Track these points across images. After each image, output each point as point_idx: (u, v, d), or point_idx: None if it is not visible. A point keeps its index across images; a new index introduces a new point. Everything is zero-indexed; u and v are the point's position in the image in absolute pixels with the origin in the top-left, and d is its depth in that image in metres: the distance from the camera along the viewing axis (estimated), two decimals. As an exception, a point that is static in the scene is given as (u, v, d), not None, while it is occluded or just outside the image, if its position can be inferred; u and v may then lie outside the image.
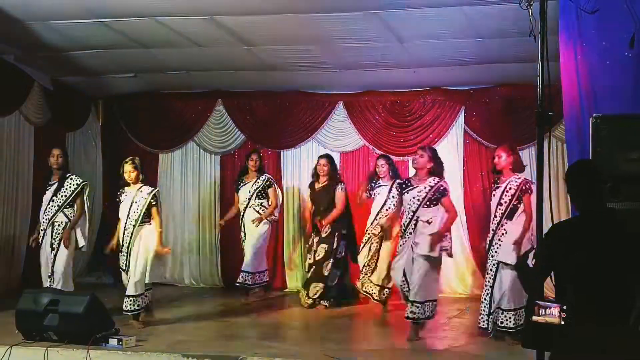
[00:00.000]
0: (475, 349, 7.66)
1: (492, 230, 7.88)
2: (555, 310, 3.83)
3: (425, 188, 8.02)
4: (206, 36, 9.41)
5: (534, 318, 3.88)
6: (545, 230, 4.35)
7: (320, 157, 10.63)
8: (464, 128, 11.69)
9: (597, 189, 4.07)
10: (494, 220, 7.90)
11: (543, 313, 3.86)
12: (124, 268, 8.61)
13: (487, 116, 11.57)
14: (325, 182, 10.31)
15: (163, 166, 12.88)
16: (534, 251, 6.05)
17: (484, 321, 7.91)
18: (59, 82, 11.70)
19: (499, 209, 7.84)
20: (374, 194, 10.19)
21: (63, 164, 8.97)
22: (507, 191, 7.80)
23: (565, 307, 3.82)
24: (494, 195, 7.98)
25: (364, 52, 9.92)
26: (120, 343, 7.16)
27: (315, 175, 10.44)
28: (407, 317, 7.97)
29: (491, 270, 7.85)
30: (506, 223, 7.78)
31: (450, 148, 11.62)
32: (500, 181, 7.96)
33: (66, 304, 7.32)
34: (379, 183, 10.17)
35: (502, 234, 7.77)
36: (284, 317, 9.95)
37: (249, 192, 10.71)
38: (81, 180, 9.10)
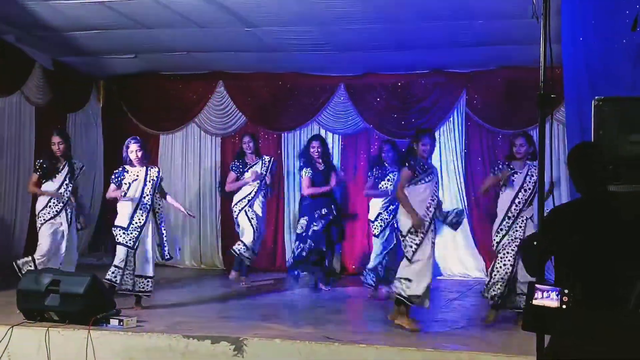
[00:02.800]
0: (475, 331, 7.67)
1: (512, 215, 7.86)
2: (554, 294, 3.84)
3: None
4: (207, 17, 9.37)
5: (534, 301, 3.89)
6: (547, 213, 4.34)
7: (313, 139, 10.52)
8: (466, 111, 11.68)
9: (599, 172, 4.06)
10: (517, 205, 7.86)
11: (541, 296, 3.87)
12: (132, 246, 8.48)
13: (489, 99, 11.57)
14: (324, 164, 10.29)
15: (164, 148, 12.91)
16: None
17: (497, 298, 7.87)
18: (59, 63, 11.68)
19: (523, 194, 7.86)
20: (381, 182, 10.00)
21: (66, 149, 8.84)
22: (530, 176, 7.84)
23: (566, 291, 3.81)
24: (513, 180, 7.91)
25: (365, 33, 9.88)
26: (121, 324, 7.16)
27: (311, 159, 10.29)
28: None
29: (512, 250, 7.80)
30: (527, 208, 7.83)
31: (452, 131, 11.62)
32: (517, 167, 7.96)
33: (67, 284, 7.33)
34: (387, 170, 10.01)
35: (526, 217, 7.80)
36: (284, 299, 9.96)
37: (262, 173, 10.58)
38: (82, 164, 9.15)
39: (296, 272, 10.23)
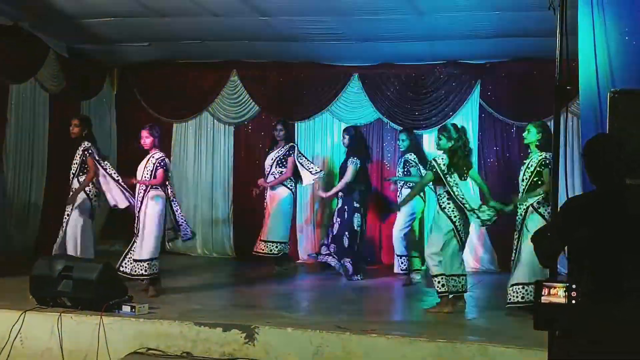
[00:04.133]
0: (486, 322, 7.66)
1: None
2: (561, 291, 3.82)
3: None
4: (222, 6, 9.37)
5: (542, 299, 3.87)
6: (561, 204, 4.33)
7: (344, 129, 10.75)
8: (480, 102, 11.64)
9: (615, 164, 4.03)
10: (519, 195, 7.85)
11: (549, 293, 3.85)
12: (136, 233, 8.61)
13: (503, 90, 11.52)
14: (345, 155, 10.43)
15: (177, 136, 12.92)
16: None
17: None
18: (74, 50, 11.70)
19: (521, 185, 7.80)
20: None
21: (80, 134, 8.87)
22: (528, 167, 7.75)
23: (574, 286, 3.80)
24: (520, 170, 7.93)
25: (381, 24, 9.85)
26: (133, 310, 7.20)
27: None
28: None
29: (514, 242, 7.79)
30: (526, 200, 7.69)
31: (465, 122, 11.58)
32: (526, 157, 7.96)
33: (80, 270, 7.36)
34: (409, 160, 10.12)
35: (527, 205, 7.68)
36: (296, 287, 9.98)
37: (272, 159, 10.64)
38: (88, 144, 8.86)
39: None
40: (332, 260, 10.15)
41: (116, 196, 8.80)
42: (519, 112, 11.20)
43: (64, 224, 8.78)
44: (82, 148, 8.86)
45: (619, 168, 4.04)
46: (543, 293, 3.87)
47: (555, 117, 4.85)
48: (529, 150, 7.90)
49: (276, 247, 10.47)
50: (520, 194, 7.79)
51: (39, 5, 9.56)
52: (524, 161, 7.92)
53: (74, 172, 8.87)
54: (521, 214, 7.73)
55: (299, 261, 11.87)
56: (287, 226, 10.69)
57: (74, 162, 8.88)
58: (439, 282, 7.87)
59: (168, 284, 9.07)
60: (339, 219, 10.24)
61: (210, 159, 12.77)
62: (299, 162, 10.53)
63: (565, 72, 4.87)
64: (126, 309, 7.23)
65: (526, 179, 7.74)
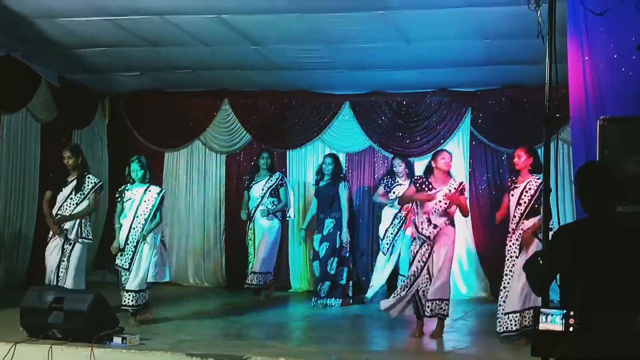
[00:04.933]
0: (478, 351, 7.63)
1: (512, 229, 7.77)
2: (558, 318, 3.82)
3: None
4: (213, 35, 9.40)
5: (540, 326, 3.87)
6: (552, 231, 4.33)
7: (326, 156, 10.87)
8: (471, 130, 11.68)
9: (606, 191, 4.05)
10: (513, 220, 7.77)
11: (546, 320, 3.85)
12: (127, 267, 8.55)
13: (494, 118, 11.56)
14: (329, 180, 10.46)
15: (169, 165, 12.90)
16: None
17: (501, 325, 7.69)
18: (66, 80, 11.70)
19: (518, 209, 7.71)
20: (391, 191, 10.28)
21: (75, 164, 8.78)
22: (526, 191, 7.67)
23: (571, 314, 3.80)
24: (512, 195, 7.83)
25: (371, 52, 9.90)
26: (125, 341, 7.15)
27: (320, 174, 10.63)
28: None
29: (511, 271, 7.70)
30: (523, 223, 7.66)
31: (457, 149, 11.62)
32: (518, 181, 7.84)
33: (71, 301, 7.31)
34: (397, 182, 10.29)
35: (520, 234, 7.65)
36: (288, 317, 9.94)
37: (262, 190, 10.68)
38: (98, 180, 8.96)
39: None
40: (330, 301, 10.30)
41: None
42: (510, 139, 11.23)
43: (59, 254, 8.63)
44: (93, 181, 8.81)
45: (609, 195, 4.06)
46: (541, 320, 3.87)
47: (545, 145, 4.86)
48: (518, 175, 7.86)
49: (263, 278, 10.61)
50: (516, 219, 7.73)
51: (31, 35, 9.57)
52: (516, 185, 7.82)
53: (74, 198, 8.71)
54: (517, 239, 7.67)
55: (291, 290, 11.89)
56: (275, 256, 10.84)
57: (75, 187, 8.73)
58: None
59: (159, 314, 9.02)
60: (327, 243, 10.34)
61: (201, 188, 12.75)
62: (290, 191, 10.68)
63: (555, 100, 4.88)
64: (117, 340, 7.18)
65: (524, 202, 7.67)
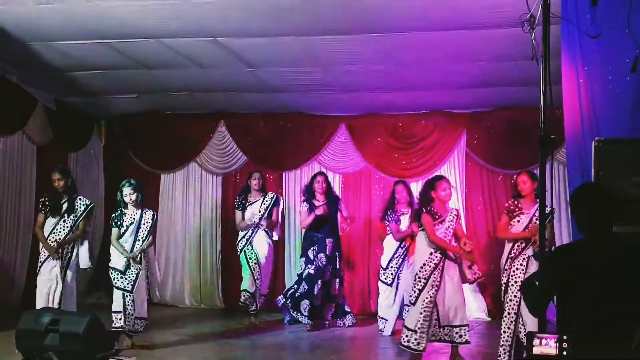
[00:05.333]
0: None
1: (514, 254, 7.66)
2: (552, 342, 3.82)
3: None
4: (209, 57, 9.43)
5: (533, 350, 3.86)
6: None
7: (319, 174, 10.80)
8: (466, 150, 11.71)
9: (602, 212, 4.06)
10: (518, 245, 7.67)
11: (539, 344, 3.85)
12: (131, 290, 8.55)
13: (489, 139, 11.60)
14: (327, 199, 10.44)
15: (165, 187, 12.91)
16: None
17: (506, 353, 7.60)
18: (62, 102, 11.72)
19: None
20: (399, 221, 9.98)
21: (65, 186, 8.82)
22: (536, 218, 7.52)
23: (565, 337, 3.80)
24: (517, 220, 7.72)
25: (366, 74, 9.94)
26: (121, 364, 7.14)
27: (309, 192, 10.55)
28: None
29: (515, 296, 7.59)
30: (528, 249, 7.60)
31: (452, 171, 11.65)
32: (523, 207, 7.75)
33: (67, 323, 7.27)
34: (402, 211, 10.01)
35: (525, 259, 7.59)
36: (285, 339, 9.91)
37: (259, 212, 10.60)
38: (89, 202, 9.04)
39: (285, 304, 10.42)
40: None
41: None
42: (506, 160, 11.28)
43: (57, 277, 8.64)
44: (84, 203, 8.88)
45: (605, 216, 4.07)
46: (534, 344, 3.86)
47: (541, 167, 4.88)
48: (521, 199, 7.82)
49: (264, 299, 10.60)
50: (523, 245, 7.62)
51: (27, 59, 9.60)
52: (522, 212, 7.73)
53: (67, 221, 8.74)
54: (521, 264, 7.59)
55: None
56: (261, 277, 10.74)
57: (67, 210, 8.77)
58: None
59: (156, 337, 8.99)
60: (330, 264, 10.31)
61: (198, 210, 12.75)
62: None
63: (550, 121, 4.90)
64: (113, 362, 7.16)
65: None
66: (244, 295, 10.51)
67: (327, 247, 10.30)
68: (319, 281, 10.22)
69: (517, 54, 7.75)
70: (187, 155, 12.74)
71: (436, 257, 7.91)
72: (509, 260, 7.68)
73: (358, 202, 12.06)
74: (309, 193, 10.51)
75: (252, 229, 10.60)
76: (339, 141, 12.24)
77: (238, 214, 10.75)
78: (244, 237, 10.65)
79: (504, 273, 7.72)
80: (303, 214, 10.47)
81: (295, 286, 10.41)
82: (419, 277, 7.95)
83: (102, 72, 10.24)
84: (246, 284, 10.52)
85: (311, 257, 10.28)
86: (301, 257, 10.65)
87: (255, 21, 8.10)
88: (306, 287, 10.21)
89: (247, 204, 10.72)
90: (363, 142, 12.09)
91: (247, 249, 10.56)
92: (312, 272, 10.22)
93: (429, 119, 11.88)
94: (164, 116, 12.68)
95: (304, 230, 10.66)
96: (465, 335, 7.94)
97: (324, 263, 10.25)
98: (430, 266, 7.90)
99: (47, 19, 8.17)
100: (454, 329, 7.90)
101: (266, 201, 10.68)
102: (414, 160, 11.82)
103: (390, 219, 9.95)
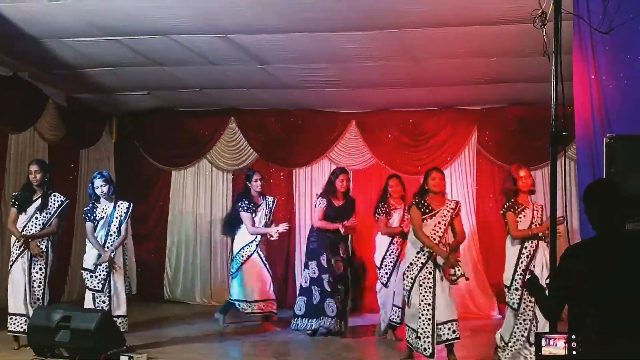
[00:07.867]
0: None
1: (529, 252, 7.58)
2: (560, 342, 3.80)
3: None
4: (220, 54, 9.43)
5: (542, 351, 3.84)
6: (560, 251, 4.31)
7: (340, 169, 10.10)
8: (477, 147, 11.69)
9: (614, 209, 4.03)
10: (531, 241, 7.61)
11: (548, 344, 3.83)
12: (100, 289, 8.24)
13: (501, 136, 11.57)
14: (346, 198, 9.81)
15: (176, 183, 12.94)
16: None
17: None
18: (73, 99, 11.76)
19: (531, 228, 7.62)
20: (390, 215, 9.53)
21: (42, 180, 8.47)
22: (536, 211, 7.70)
23: (573, 337, 3.78)
24: (524, 215, 7.65)
25: (378, 71, 9.92)
26: (132, 360, 7.16)
27: (332, 191, 9.72)
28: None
29: (531, 301, 7.41)
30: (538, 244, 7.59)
31: (463, 167, 11.62)
32: (522, 203, 7.70)
33: (78, 320, 7.32)
34: (393, 206, 9.55)
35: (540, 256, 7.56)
36: (296, 337, 9.88)
37: (266, 215, 10.18)
38: (65, 198, 8.67)
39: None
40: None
41: None
42: (517, 157, 11.21)
43: (28, 270, 8.32)
44: (59, 199, 8.55)
45: (618, 213, 4.04)
46: (543, 344, 3.84)
47: (552, 164, 4.85)
48: (516, 196, 7.76)
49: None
50: (536, 241, 7.61)
51: (39, 56, 9.63)
52: (523, 207, 7.68)
53: (39, 218, 8.42)
54: (529, 252, 7.56)
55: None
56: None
57: (40, 206, 8.44)
58: None
59: (166, 333, 9.01)
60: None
61: (208, 206, 12.77)
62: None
63: (561, 118, 4.88)
64: (124, 359, 7.18)
65: (538, 224, 7.63)
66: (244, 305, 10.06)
67: (340, 250, 9.72)
68: (326, 275, 9.52)
69: (530, 50, 7.75)
70: (198, 152, 12.77)
71: (423, 257, 7.69)
72: (524, 258, 7.57)
73: (369, 200, 12.01)
74: (330, 190, 9.70)
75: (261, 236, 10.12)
76: (349, 138, 12.24)
77: (248, 217, 10.03)
78: (252, 242, 10.10)
79: (517, 273, 7.57)
80: (319, 211, 9.69)
81: (305, 298, 9.66)
82: (406, 276, 7.81)
83: (114, 69, 10.27)
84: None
85: (323, 261, 9.57)
86: (309, 260, 9.78)
87: (267, 18, 8.10)
88: (319, 289, 9.52)
89: (257, 206, 10.14)
90: (373, 138, 12.08)
91: (260, 253, 10.09)
92: (314, 276, 9.56)
93: (440, 115, 11.86)
94: (175, 113, 12.71)
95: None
96: (457, 330, 7.69)
97: (333, 266, 9.60)
98: (417, 265, 7.69)
99: (59, 16, 8.19)
100: (445, 324, 7.64)
101: (269, 204, 10.24)
102: (424, 156, 11.80)
103: (380, 211, 9.50)
